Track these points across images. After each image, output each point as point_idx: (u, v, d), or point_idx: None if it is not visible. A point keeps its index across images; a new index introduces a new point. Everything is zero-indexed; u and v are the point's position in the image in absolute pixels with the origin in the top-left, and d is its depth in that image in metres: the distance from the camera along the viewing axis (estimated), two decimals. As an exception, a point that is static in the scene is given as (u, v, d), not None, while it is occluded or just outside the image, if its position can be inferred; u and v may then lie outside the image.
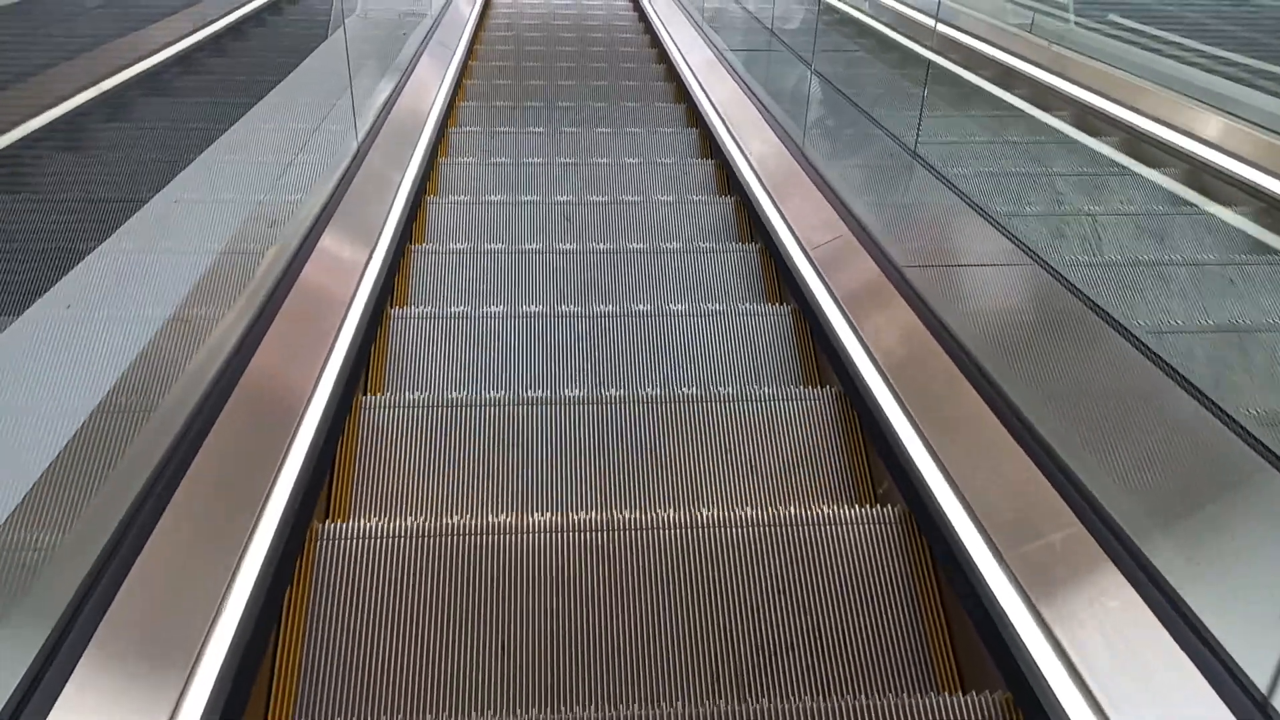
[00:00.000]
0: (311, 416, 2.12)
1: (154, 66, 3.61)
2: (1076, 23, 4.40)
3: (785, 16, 5.06)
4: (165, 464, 1.66)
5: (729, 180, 4.24)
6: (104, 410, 1.68)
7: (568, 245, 3.44)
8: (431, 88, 4.94)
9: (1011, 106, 4.14)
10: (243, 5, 4.93)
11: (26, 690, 1.17)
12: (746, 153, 4.02)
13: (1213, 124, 3.28)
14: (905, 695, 1.74)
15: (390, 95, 4.33)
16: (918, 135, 3.08)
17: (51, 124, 2.58)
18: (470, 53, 6.49)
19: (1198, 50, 3.80)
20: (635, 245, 3.46)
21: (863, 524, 2.10)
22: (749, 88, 4.74)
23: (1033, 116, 4.04)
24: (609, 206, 3.88)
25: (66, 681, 1.21)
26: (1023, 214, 3.20)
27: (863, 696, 1.72)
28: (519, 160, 4.41)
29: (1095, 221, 3.22)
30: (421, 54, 5.29)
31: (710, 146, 4.68)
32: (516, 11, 8.37)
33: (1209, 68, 3.58)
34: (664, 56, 6.42)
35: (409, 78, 4.77)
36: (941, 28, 4.07)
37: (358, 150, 3.50)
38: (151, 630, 1.42)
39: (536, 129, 4.95)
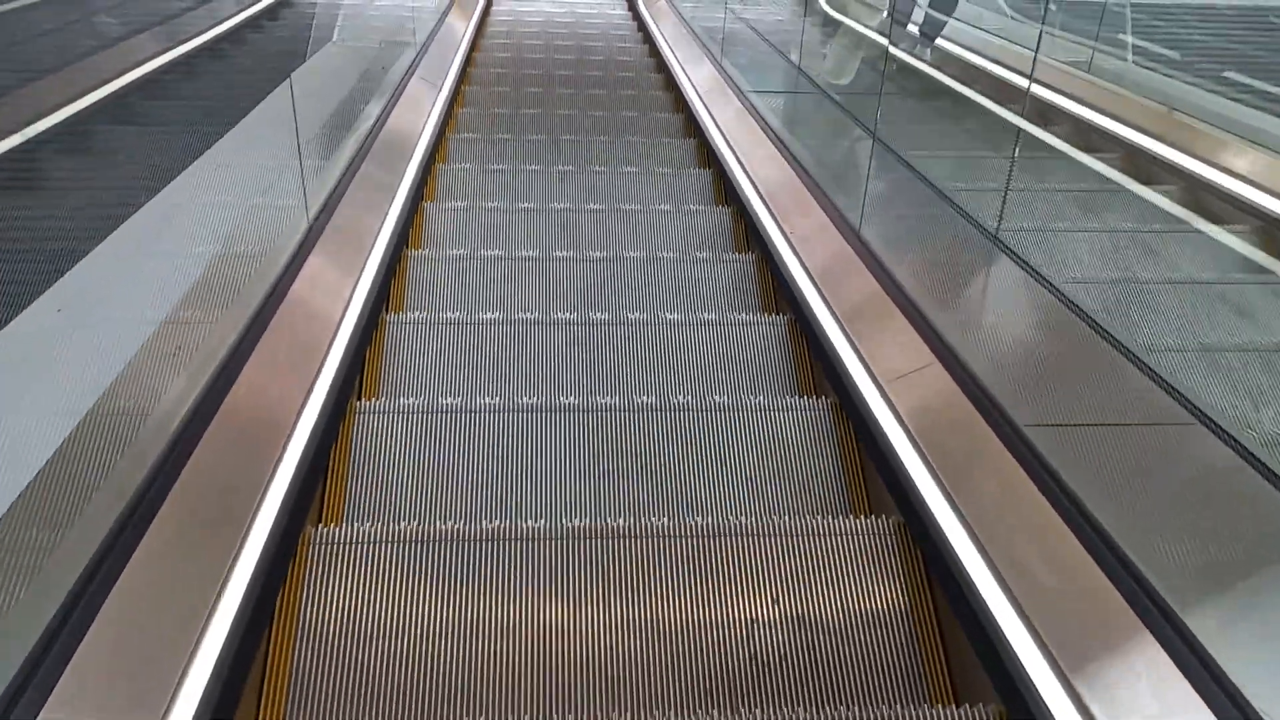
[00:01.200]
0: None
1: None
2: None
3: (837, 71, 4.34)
4: (160, 466, 1.65)
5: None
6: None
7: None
8: (409, 145, 4.08)
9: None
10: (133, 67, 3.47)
11: (21, 683, 1.16)
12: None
13: None
14: (899, 707, 1.73)
15: (355, 157, 3.46)
16: (999, 221, 2.42)
17: None
18: (456, 97, 5.53)
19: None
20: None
21: (857, 535, 2.10)
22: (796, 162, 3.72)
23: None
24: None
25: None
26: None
27: (856, 708, 1.71)
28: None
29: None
30: (401, 93, 4.48)
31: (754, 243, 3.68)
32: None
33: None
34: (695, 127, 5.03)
35: (383, 127, 3.96)
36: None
37: (308, 232, 2.77)
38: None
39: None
